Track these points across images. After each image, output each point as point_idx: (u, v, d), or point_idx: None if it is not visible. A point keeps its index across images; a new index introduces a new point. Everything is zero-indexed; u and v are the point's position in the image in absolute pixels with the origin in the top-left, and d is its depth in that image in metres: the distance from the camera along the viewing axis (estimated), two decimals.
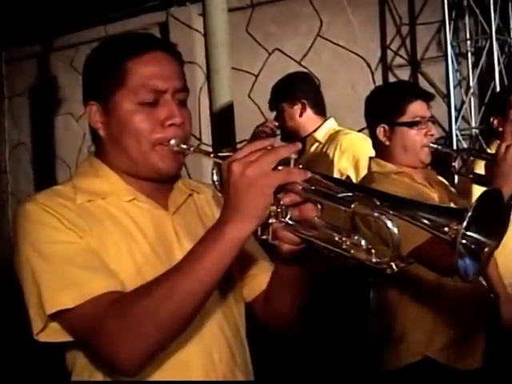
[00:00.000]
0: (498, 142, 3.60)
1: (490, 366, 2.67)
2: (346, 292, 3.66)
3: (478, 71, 5.65)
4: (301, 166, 1.33)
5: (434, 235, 1.17)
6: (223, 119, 4.87)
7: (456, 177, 4.12)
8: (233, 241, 1.35)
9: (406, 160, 2.70)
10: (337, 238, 1.32)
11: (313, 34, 6.62)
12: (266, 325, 1.78)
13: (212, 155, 1.52)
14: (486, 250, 1.21)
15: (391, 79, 6.41)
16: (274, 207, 1.37)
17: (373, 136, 2.80)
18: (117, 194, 1.60)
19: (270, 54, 6.83)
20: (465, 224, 1.10)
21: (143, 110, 1.56)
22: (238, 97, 5.85)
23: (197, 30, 6.84)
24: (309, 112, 3.97)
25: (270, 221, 1.38)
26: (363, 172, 3.40)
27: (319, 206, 1.36)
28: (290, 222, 1.38)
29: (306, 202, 1.37)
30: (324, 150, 3.92)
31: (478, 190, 3.13)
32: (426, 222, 1.19)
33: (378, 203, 1.25)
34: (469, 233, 1.16)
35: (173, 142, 1.57)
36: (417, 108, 2.69)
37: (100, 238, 1.51)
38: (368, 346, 3.16)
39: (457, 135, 5.49)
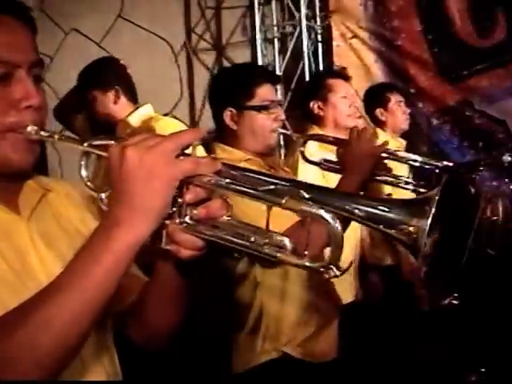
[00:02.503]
0: (315, 126, 3.61)
1: (346, 355, 2.62)
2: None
3: (287, 57, 5.67)
4: (213, 156, 1.11)
5: (384, 234, 1.00)
6: None
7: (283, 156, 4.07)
8: (128, 246, 1.09)
9: (254, 145, 2.55)
10: (253, 239, 1.11)
11: (113, 14, 6.27)
12: (135, 340, 1.52)
13: (86, 144, 1.23)
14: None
15: (195, 63, 6.31)
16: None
17: (218, 120, 2.60)
18: None
19: (66, 34, 6.38)
20: (429, 221, 0.94)
21: None
22: None
23: None
24: (122, 99, 3.71)
25: (165, 222, 1.14)
26: None
27: (230, 203, 1.14)
28: (191, 222, 1.15)
29: (211, 198, 1.14)
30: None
31: (304, 170, 3.09)
32: (372, 217, 1.01)
33: (307, 196, 1.05)
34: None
35: (29, 128, 1.27)
36: (266, 91, 2.55)
37: None
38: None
39: None
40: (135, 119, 3.68)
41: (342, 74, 3.78)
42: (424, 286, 4.34)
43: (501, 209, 3.42)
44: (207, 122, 5.80)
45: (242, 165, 2.44)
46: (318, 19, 5.73)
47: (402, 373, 3.54)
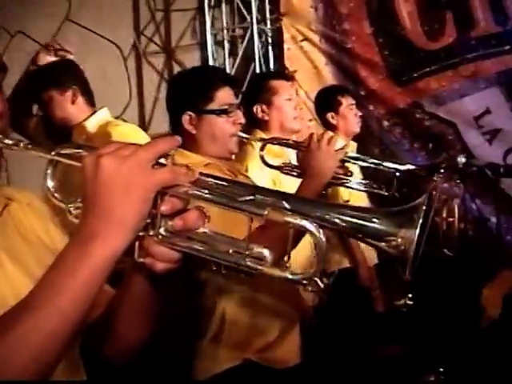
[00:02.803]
0: (259, 131, 3.49)
1: (309, 361, 2.60)
2: None
3: (237, 60, 5.65)
4: (190, 165, 1.07)
5: (372, 246, 0.98)
6: None
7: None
8: (104, 261, 1.04)
9: (215, 150, 2.50)
10: (232, 251, 1.08)
11: (60, 17, 6.15)
12: (103, 354, 1.47)
13: (53, 153, 1.18)
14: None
15: (145, 67, 6.26)
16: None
17: (176, 124, 2.55)
18: None
19: (12, 36, 6.23)
20: (418, 231, 0.92)
21: None
22: None
23: None
24: (80, 100, 3.61)
25: (139, 233, 1.10)
26: None
27: (207, 213, 1.10)
28: (167, 234, 1.10)
29: (188, 209, 1.10)
30: (92, 142, 3.57)
31: (255, 175, 3.02)
32: (357, 228, 0.99)
33: (288, 207, 1.03)
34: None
35: None
36: (225, 95, 2.50)
37: None
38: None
39: None
40: (92, 124, 3.58)
41: (285, 75, 3.69)
42: (379, 287, 4.37)
43: (456, 210, 3.46)
44: (157, 126, 5.78)
45: (201, 170, 2.42)
46: (269, 22, 5.72)
47: (360, 375, 3.55)
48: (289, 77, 3.67)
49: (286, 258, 1.04)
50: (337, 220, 1.01)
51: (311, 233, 0.98)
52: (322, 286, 1.00)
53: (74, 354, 1.37)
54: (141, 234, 1.09)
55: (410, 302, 4.33)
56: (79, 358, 1.40)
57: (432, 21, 5.28)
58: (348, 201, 3.89)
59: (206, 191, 1.06)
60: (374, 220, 0.98)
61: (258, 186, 1.08)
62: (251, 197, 1.04)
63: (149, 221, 1.09)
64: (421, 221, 0.93)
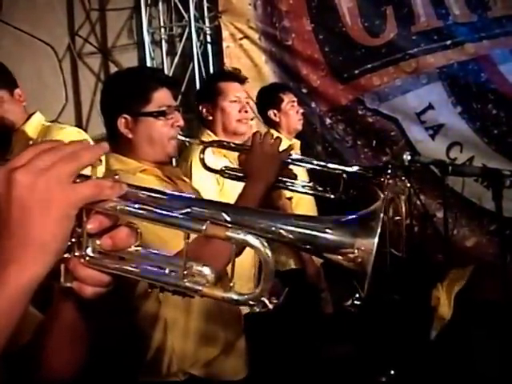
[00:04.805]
0: (208, 130, 3.48)
1: (256, 373, 2.50)
2: None
3: (176, 59, 5.54)
4: (117, 177, 0.95)
5: (326, 260, 0.88)
6: None
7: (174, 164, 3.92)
8: (22, 289, 0.92)
9: (152, 154, 2.37)
10: (168, 271, 0.96)
11: None
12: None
13: None
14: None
15: (80, 68, 6.12)
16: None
17: (111, 128, 2.40)
18: None
19: None
20: (376, 240, 0.83)
21: None
22: None
23: None
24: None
25: (63, 255, 0.98)
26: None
27: (139, 230, 0.99)
28: (94, 254, 0.98)
29: (117, 226, 0.99)
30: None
31: (199, 178, 3.00)
32: (311, 240, 0.89)
33: (229, 219, 0.92)
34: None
35: None
36: (163, 96, 2.36)
37: None
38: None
39: None
40: (32, 128, 3.41)
41: (238, 77, 3.64)
42: (327, 288, 4.31)
43: (404, 209, 3.40)
44: (95, 129, 5.60)
45: (137, 175, 2.29)
46: (207, 20, 5.63)
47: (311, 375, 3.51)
48: (241, 79, 3.61)
49: (229, 277, 0.94)
50: (283, 232, 0.91)
51: (256, 248, 0.88)
52: (270, 306, 0.90)
53: None
54: (66, 255, 0.98)
55: (358, 302, 4.29)
56: None
57: (372, 16, 5.25)
58: (291, 198, 3.83)
59: (137, 206, 0.94)
60: (326, 230, 0.88)
61: (194, 198, 0.98)
62: (187, 210, 0.94)
63: (74, 240, 0.97)
64: (379, 229, 0.83)
